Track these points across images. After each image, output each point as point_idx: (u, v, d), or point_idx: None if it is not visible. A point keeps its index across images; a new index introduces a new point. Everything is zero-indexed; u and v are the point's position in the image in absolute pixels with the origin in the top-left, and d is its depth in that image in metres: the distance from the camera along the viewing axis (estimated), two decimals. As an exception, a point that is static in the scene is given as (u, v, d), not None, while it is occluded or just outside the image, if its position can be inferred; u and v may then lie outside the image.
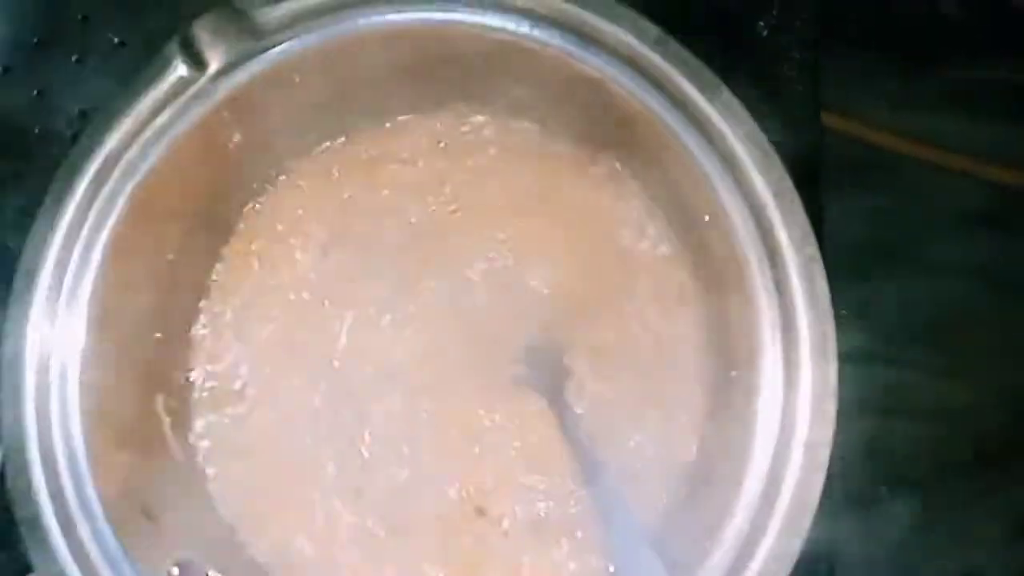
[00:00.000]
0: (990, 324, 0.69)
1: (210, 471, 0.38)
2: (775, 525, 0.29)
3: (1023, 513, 0.66)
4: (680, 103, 0.32)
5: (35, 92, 0.44)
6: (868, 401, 0.69)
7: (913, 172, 0.70)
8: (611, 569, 0.36)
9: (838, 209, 0.48)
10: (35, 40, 0.44)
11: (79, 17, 0.44)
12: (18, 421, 0.32)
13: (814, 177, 0.43)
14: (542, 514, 0.37)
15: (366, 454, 0.38)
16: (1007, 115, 0.69)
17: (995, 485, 0.67)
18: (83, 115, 0.44)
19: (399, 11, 0.33)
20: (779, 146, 0.32)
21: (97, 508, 0.31)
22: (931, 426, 0.69)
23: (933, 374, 0.69)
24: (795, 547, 0.29)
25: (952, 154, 0.69)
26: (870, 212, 0.70)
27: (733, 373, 0.33)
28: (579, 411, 0.37)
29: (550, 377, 0.37)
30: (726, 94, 0.31)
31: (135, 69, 0.33)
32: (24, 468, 0.32)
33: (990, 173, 0.69)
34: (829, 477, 0.39)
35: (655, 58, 0.32)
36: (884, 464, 0.67)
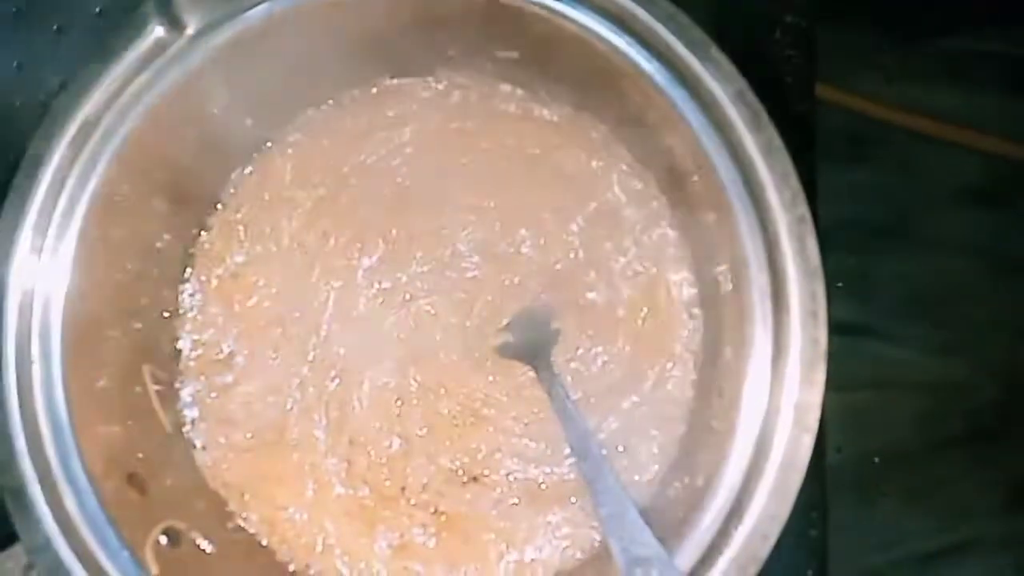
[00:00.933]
0: (985, 299, 0.69)
1: (198, 440, 0.38)
2: (765, 486, 0.29)
3: (1016, 485, 0.67)
4: (668, 61, 0.31)
5: (15, 64, 0.43)
6: (863, 375, 0.70)
7: (909, 144, 0.70)
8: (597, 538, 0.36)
9: (833, 181, 0.48)
10: (14, 11, 0.43)
11: (58, -14, 0.43)
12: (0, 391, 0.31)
13: (808, 148, 0.43)
14: (536, 481, 0.37)
15: (356, 423, 0.38)
16: (1003, 87, 0.69)
17: (988, 458, 0.68)
18: (64, 86, 0.43)
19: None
20: (772, 115, 0.32)
21: (83, 478, 0.31)
22: (926, 400, 0.69)
23: (928, 348, 0.69)
24: (785, 509, 0.29)
25: (948, 126, 0.69)
26: (865, 185, 0.70)
27: (724, 333, 0.32)
28: (571, 373, 0.37)
29: (535, 345, 0.37)
30: (715, 52, 0.31)
31: (116, 32, 0.33)
32: (8, 438, 0.31)
33: (986, 145, 0.69)
34: (824, 449, 0.39)
35: (643, 15, 0.31)
36: (878, 437, 0.68)
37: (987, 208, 0.69)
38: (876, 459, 0.67)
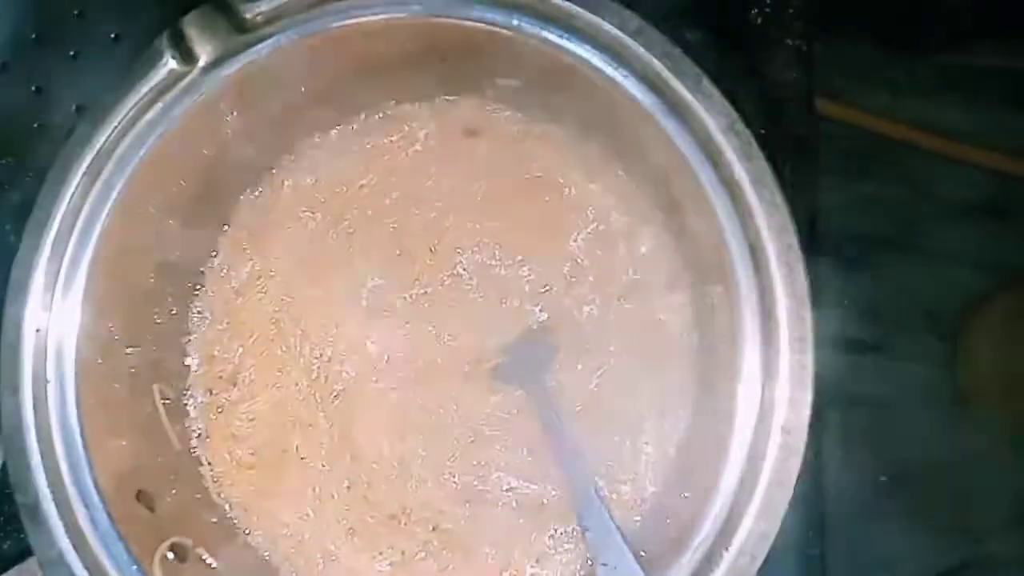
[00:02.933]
0: (988, 313, 0.69)
1: (204, 456, 0.39)
2: (754, 506, 0.30)
3: (1023, 504, 0.67)
4: (663, 93, 0.32)
5: (33, 88, 0.45)
6: (867, 391, 0.70)
7: (911, 160, 0.70)
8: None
9: (835, 198, 0.48)
10: (32, 36, 0.45)
11: (75, 13, 0.45)
12: (16, 408, 0.32)
13: (810, 165, 0.43)
14: (537, 497, 0.37)
15: (358, 442, 0.38)
16: (1005, 102, 0.69)
17: (995, 474, 0.68)
18: (80, 110, 0.45)
19: (384, 5, 0.33)
20: (773, 135, 0.33)
21: (94, 494, 0.32)
22: (930, 415, 0.69)
23: (932, 363, 0.70)
24: (773, 528, 0.29)
25: (950, 141, 0.70)
26: (868, 200, 0.70)
27: (717, 352, 0.33)
28: (569, 388, 0.38)
29: (529, 367, 0.38)
30: (707, 85, 0.32)
31: (131, 64, 0.34)
32: (23, 455, 0.32)
33: (988, 160, 0.69)
34: (828, 466, 0.40)
35: (636, 48, 0.32)
36: (884, 453, 0.68)
37: (992, 222, 0.70)
38: (882, 477, 0.67)
